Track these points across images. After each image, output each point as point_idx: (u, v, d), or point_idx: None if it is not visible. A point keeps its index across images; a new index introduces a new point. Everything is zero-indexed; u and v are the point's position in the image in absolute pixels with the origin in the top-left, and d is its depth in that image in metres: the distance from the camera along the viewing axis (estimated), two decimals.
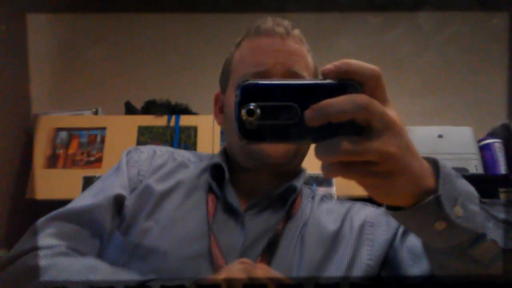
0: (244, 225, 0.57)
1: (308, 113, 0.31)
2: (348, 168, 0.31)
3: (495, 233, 0.37)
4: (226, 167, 0.62)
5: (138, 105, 1.88)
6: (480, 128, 1.85)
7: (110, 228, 0.57)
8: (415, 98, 2.16)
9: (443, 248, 0.39)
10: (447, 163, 0.37)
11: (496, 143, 1.73)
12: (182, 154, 0.70)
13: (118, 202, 0.59)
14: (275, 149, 0.59)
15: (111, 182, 0.62)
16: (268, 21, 0.64)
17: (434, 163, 0.36)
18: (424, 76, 2.28)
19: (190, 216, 0.58)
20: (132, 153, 0.67)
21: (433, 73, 2.29)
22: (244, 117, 0.31)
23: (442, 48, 2.32)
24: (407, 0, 2.26)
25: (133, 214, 0.58)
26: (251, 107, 0.31)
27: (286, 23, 0.64)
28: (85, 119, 1.77)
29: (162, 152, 0.69)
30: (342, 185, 1.54)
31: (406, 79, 2.22)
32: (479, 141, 1.76)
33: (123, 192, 0.60)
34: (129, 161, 0.65)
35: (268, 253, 0.54)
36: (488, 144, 1.74)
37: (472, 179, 0.40)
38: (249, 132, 0.32)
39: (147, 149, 0.69)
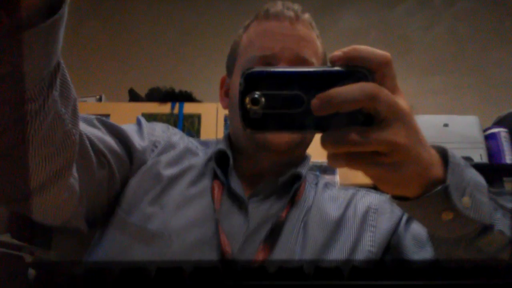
0: (247, 211, 0.57)
1: (314, 102, 0.29)
2: (355, 159, 0.31)
3: (503, 224, 0.37)
4: (230, 154, 0.62)
5: (142, 92, 1.87)
6: (487, 116, 1.83)
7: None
8: (423, 77, 2.12)
9: (449, 238, 0.38)
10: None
11: (502, 132, 1.72)
12: (190, 140, 0.69)
13: (130, 150, 0.60)
14: (279, 137, 0.58)
15: (134, 137, 0.62)
16: (278, 5, 0.62)
17: (443, 152, 0.36)
18: (433, 54, 2.23)
19: (196, 202, 0.58)
20: (148, 122, 0.67)
21: (442, 51, 2.23)
22: (249, 106, 0.30)
23: (452, 25, 2.27)
24: None
25: (137, 195, 0.58)
26: (256, 95, 0.30)
27: (296, 7, 0.62)
28: (88, 106, 1.76)
29: (175, 130, 0.69)
30: (346, 174, 1.54)
31: (414, 56, 2.18)
32: (485, 130, 1.75)
33: (139, 147, 0.61)
34: (149, 127, 0.66)
35: (271, 240, 0.54)
36: (494, 133, 1.72)
37: (476, 168, 0.39)
38: (253, 121, 0.31)
39: (160, 123, 0.69)
